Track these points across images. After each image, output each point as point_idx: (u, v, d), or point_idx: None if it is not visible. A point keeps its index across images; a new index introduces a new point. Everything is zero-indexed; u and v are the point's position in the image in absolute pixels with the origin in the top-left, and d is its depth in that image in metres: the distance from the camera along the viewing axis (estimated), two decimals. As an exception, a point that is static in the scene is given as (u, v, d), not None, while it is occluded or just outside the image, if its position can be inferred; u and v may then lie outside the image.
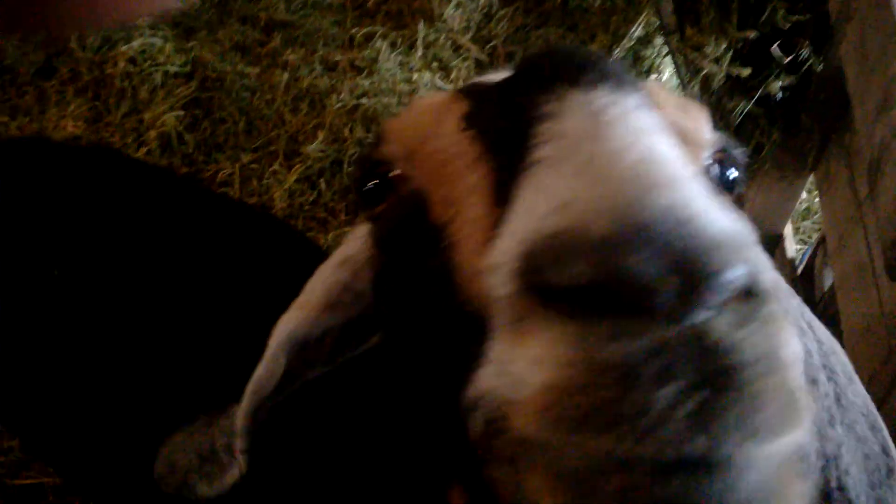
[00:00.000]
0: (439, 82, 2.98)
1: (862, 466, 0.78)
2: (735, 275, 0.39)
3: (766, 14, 1.34)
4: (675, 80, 2.34)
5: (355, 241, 0.81)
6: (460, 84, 2.95)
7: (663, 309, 0.38)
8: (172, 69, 2.91)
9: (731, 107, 1.43)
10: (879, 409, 0.87)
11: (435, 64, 3.09)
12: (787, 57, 1.36)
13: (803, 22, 1.34)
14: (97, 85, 2.93)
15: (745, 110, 1.41)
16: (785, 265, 1.86)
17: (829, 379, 0.80)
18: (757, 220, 1.48)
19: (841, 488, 0.74)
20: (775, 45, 1.34)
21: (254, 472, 0.84)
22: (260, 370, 0.79)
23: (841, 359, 0.85)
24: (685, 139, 0.60)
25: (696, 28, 1.40)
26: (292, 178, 2.62)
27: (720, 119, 1.48)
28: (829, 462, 0.75)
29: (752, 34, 1.34)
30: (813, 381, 0.78)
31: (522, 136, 0.51)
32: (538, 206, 0.45)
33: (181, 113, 2.76)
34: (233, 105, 2.85)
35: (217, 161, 2.71)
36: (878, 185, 0.90)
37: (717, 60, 1.36)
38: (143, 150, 2.70)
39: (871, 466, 0.79)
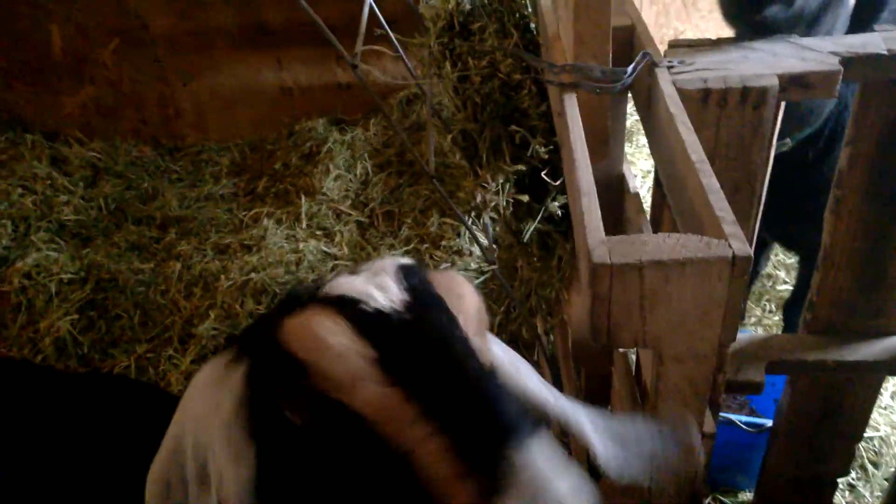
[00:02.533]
0: (324, 247, 3.21)
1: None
2: None
3: (530, 150, 1.61)
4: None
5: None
6: (344, 248, 3.20)
7: None
8: (66, 276, 3.05)
9: (523, 227, 1.67)
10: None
11: (319, 232, 3.34)
12: (556, 181, 1.62)
13: (557, 152, 1.62)
14: (-6, 303, 3.05)
15: (533, 229, 1.65)
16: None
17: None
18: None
19: None
20: (543, 172, 1.60)
21: None
22: None
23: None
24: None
25: (481, 169, 1.67)
26: (187, 359, 2.72)
27: (515, 237, 1.72)
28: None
29: (522, 167, 1.60)
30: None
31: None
32: None
33: (76, 317, 2.88)
34: (128, 301, 2.99)
35: (113, 356, 2.80)
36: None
37: (497, 192, 1.62)
38: (39, 356, 2.77)
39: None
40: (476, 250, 3.16)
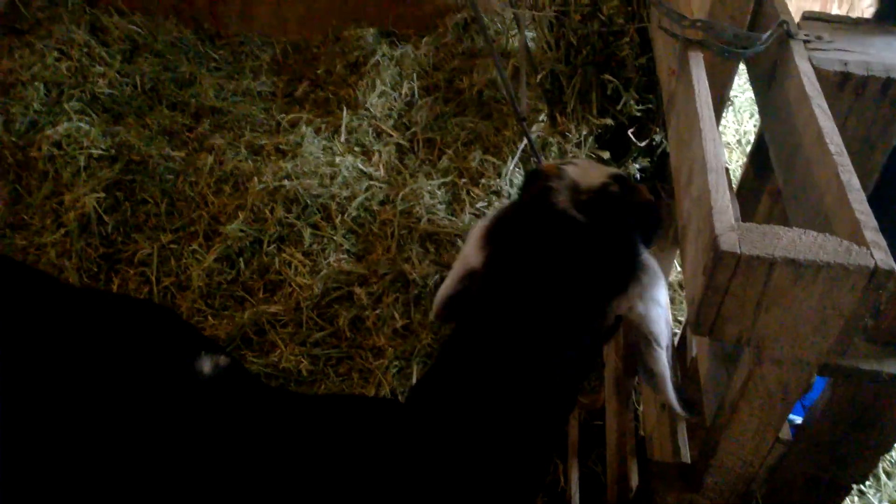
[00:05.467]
0: (360, 165, 3.12)
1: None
2: None
3: (621, 104, 1.51)
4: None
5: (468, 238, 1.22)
6: (381, 169, 3.11)
7: None
8: (97, 152, 2.97)
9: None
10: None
11: (357, 148, 3.24)
12: (642, 142, 1.52)
13: (655, 111, 1.51)
14: (20, 167, 2.97)
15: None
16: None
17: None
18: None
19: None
20: (630, 130, 1.50)
21: None
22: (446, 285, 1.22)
23: None
24: None
25: (563, 117, 1.56)
26: (211, 257, 2.67)
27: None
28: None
29: (609, 121, 1.50)
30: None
31: None
32: None
33: (102, 195, 2.81)
34: (156, 187, 2.92)
35: (136, 241, 2.75)
36: (684, 252, 1.02)
37: (578, 145, 1.52)
38: (61, 230, 2.72)
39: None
40: (515, 193, 3.07)
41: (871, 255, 0.82)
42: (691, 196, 1.00)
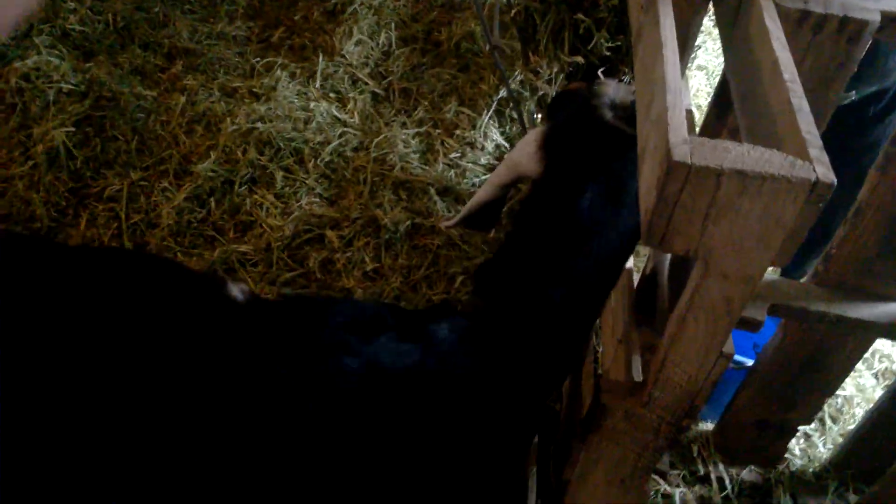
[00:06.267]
0: (335, 112, 3.11)
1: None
2: None
3: (592, 44, 1.53)
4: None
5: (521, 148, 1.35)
6: (356, 116, 3.10)
7: None
8: (66, 87, 2.92)
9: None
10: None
11: (332, 95, 3.22)
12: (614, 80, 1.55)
13: (625, 52, 1.55)
14: (-14, 99, 2.91)
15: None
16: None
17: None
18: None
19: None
20: (600, 70, 1.53)
21: None
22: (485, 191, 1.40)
23: None
24: None
25: (535, 55, 1.59)
26: (181, 195, 2.66)
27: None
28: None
29: (580, 59, 1.53)
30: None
31: None
32: None
33: (72, 129, 2.77)
34: (126, 125, 2.88)
35: (105, 177, 2.72)
36: (641, 174, 1.06)
37: (549, 82, 1.55)
38: (30, 163, 2.68)
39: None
40: (489, 145, 3.09)
41: (814, 170, 0.87)
42: (650, 119, 1.04)
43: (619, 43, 1.49)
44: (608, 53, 1.51)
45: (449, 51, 3.49)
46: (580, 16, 1.54)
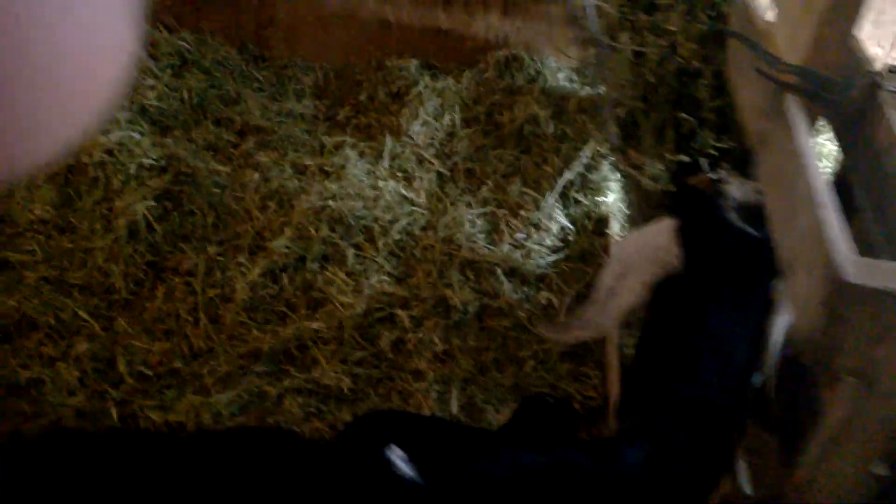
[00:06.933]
0: (403, 191, 3.17)
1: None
2: None
3: (698, 143, 1.56)
4: (620, 197, 2.58)
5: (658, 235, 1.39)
6: (422, 195, 3.16)
7: None
8: (147, 162, 3.02)
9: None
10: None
11: (399, 174, 3.29)
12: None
13: (727, 149, 1.57)
14: (70, 172, 3.02)
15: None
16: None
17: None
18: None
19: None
20: (705, 165, 1.55)
21: None
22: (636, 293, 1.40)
23: None
24: None
25: (637, 151, 1.62)
26: (256, 270, 2.70)
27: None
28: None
29: (685, 158, 1.55)
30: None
31: None
32: None
33: (152, 203, 2.85)
34: (203, 200, 2.96)
35: (183, 251, 2.78)
36: (792, 289, 1.06)
37: (654, 179, 1.57)
38: (110, 235, 2.76)
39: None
40: (553, 227, 3.12)
41: None
42: (797, 231, 1.04)
43: (725, 145, 1.52)
44: (714, 152, 1.54)
45: (511, 133, 3.56)
46: (683, 115, 1.57)
